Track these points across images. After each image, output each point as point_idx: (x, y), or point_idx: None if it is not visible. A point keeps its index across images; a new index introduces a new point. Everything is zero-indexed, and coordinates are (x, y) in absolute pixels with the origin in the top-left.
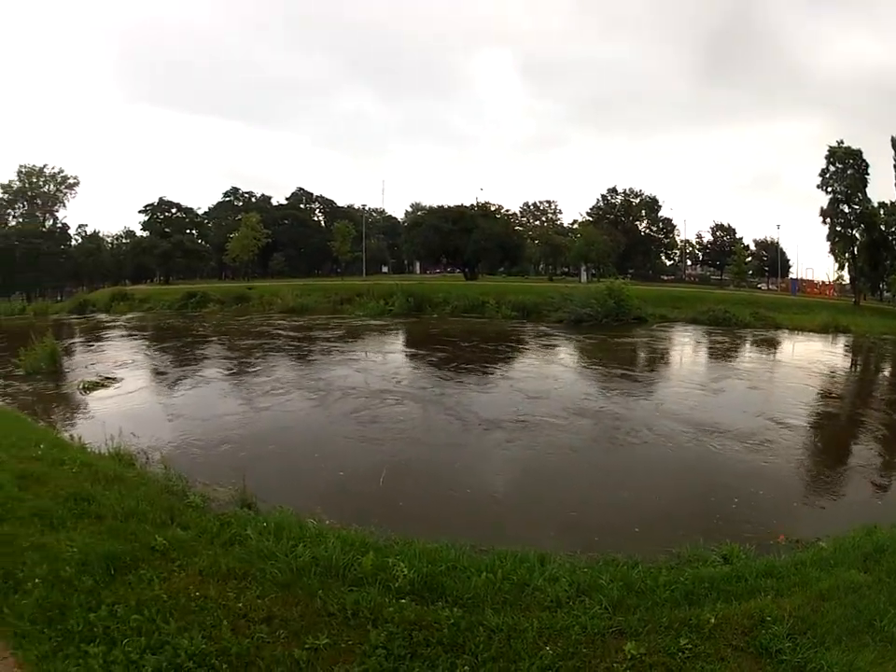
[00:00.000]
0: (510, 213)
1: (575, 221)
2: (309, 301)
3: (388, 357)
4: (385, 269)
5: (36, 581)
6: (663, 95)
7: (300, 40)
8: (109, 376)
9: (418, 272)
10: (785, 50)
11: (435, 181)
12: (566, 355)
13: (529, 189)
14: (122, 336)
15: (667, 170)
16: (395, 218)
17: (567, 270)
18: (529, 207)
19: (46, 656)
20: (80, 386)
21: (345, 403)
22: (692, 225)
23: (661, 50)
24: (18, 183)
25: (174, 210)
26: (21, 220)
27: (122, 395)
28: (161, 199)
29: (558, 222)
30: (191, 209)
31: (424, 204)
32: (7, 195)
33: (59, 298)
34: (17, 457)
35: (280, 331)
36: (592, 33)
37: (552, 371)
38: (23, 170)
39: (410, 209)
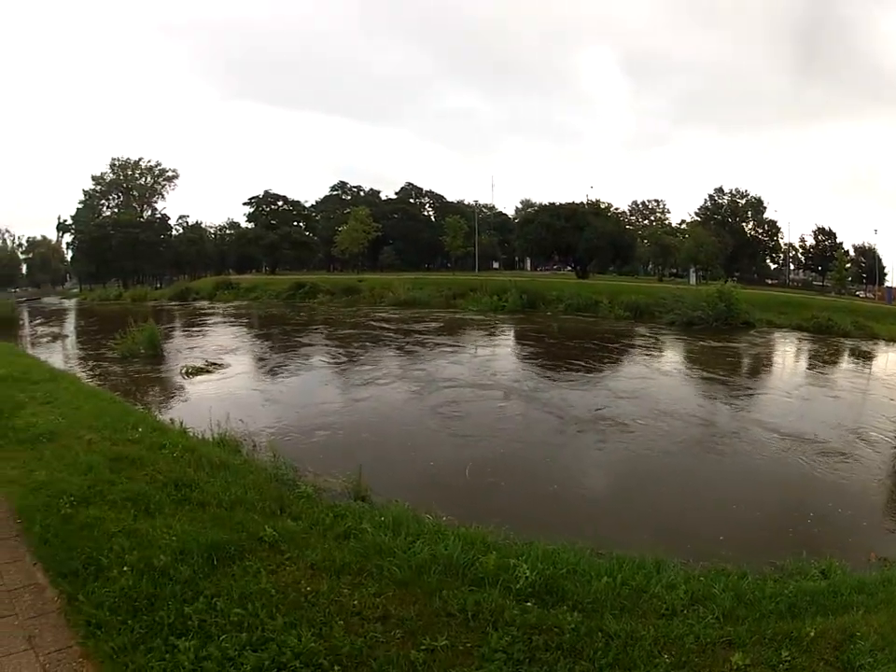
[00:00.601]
0: (618, 211)
1: (682, 221)
2: (421, 294)
3: (495, 352)
4: (496, 265)
5: (124, 568)
6: (761, 92)
7: (405, 38)
8: (214, 361)
9: (529, 268)
10: (881, 46)
11: (542, 177)
12: (671, 358)
13: (635, 187)
14: (226, 323)
15: (768, 169)
16: (505, 214)
17: (675, 271)
18: (638, 206)
19: (123, 649)
20: (183, 371)
21: (442, 396)
22: (794, 227)
23: (757, 48)
24: (111, 175)
25: (279, 203)
26: (115, 210)
27: (226, 380)
28: (266, 192)
29: (666, 222)
30: (298, 202)
31: (533, 201)
32: (99, 186)
33: (158, 285)
34: (110, 439)
35: (388, 324)
36: (687, 30)
37: (652, 373)
38: (116, 163)
39: (520, 205)
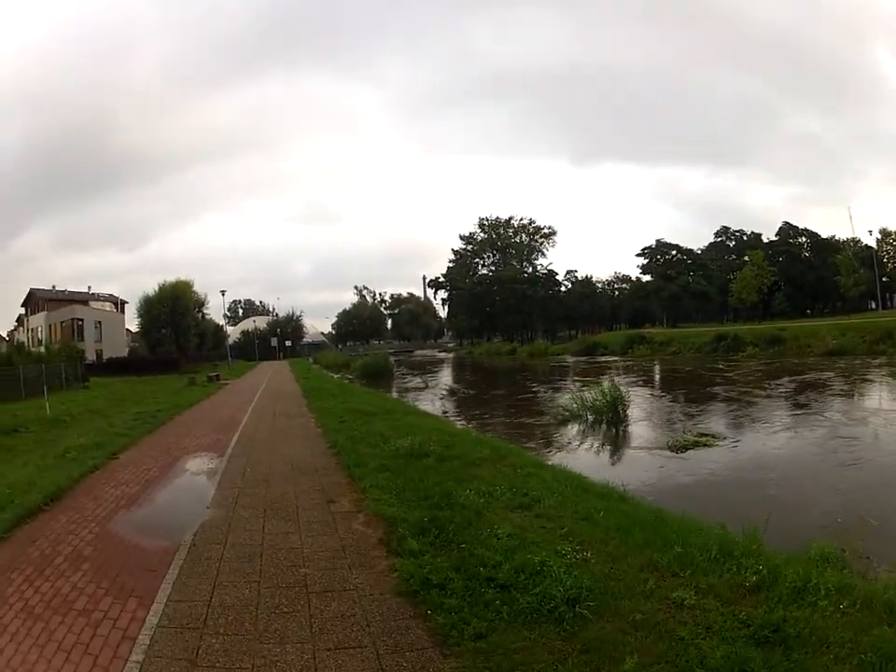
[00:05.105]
0: None
1: None
2: (844, 341)
3: None
4: (872, 304)
5: None
6: None
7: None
8: (703, 432)
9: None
10: None
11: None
12: None
13: None
14: (667, 382)
15: None
16: (871, 248)
17: None
18: None
19: None
20: (670, 444)
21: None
22: None
23: None
24: (482, 234)
25: (673, 252)
26: (492, 268)
27: (733, 457)
28: (658, 241)
29: None
30: (691, 250)
31: (890, 229)
32: (470, 245)
33: (549, 340)
34: (718, 614)
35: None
36: None
37: None
38: (486, 222)
39: (879, 236)
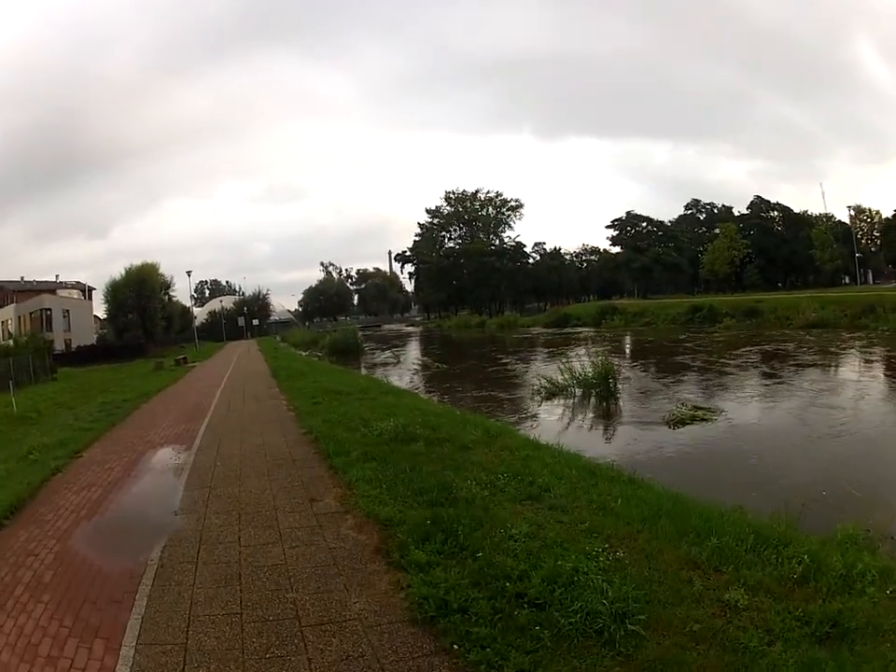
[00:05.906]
0: None
1: None
2: (825, 314)
3: None
4: (846, 279)
5: None
6: None
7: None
8: (701, 406)
9: (871, 281)
10: None
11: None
12: None
13: None
14: (650, 354)
15: None
16: (845, 224)
17: None
18: None
19: None
20: (668, 420)
21: None
22: None
23: None
24: (448, 208)
25: (643, 224)
26: (459, 241)
27: (736, 433)
28: (628, 213)
29: None
30: (662, 222)
31: (864, 206)
32: (437, 219)
33: (517, 313)
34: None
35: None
36: None
37: None
38: (452, 196)
39: (852, 212)
